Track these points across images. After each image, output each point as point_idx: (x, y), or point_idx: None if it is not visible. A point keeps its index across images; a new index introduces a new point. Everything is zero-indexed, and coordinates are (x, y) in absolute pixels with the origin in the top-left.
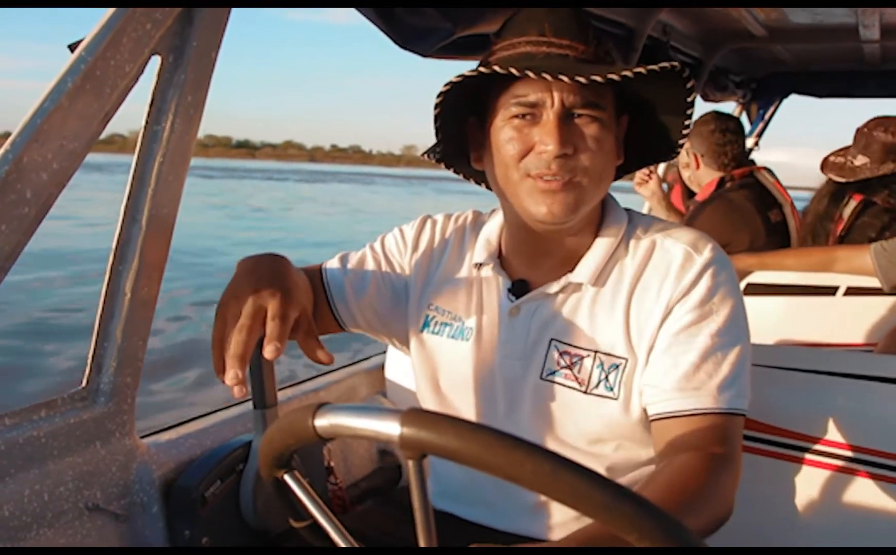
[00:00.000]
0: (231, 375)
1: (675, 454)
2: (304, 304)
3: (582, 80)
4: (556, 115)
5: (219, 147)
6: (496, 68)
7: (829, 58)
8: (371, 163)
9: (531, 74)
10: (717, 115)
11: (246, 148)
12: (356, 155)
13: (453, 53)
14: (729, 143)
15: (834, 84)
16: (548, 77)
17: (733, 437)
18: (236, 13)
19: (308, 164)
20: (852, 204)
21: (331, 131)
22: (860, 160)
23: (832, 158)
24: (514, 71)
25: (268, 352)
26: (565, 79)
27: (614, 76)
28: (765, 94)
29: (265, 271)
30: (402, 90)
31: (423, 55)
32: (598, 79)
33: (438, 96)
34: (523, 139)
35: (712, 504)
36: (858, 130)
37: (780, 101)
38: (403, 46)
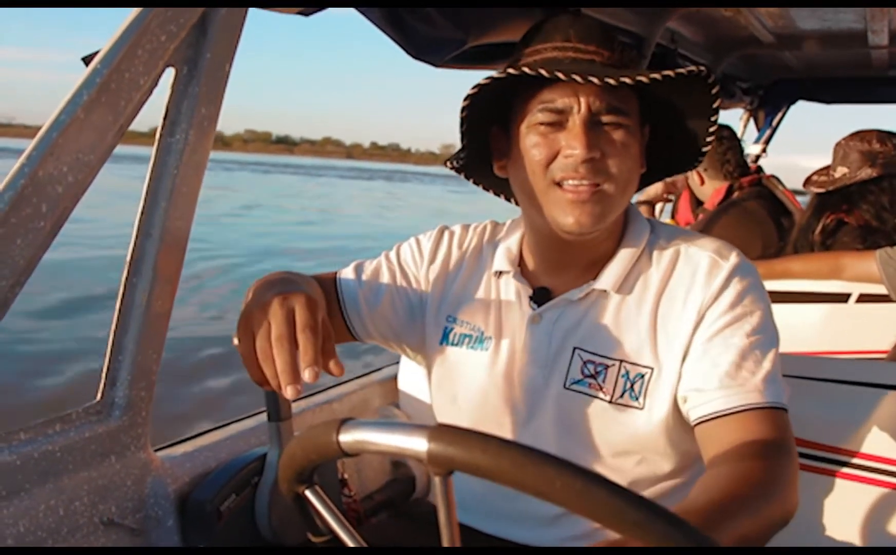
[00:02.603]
0: (291, 391)
1: (727, 454)
2: (325, 310)
3: (612, 81)
4: (582, 120)
5: (258, 142)
6: (525, 70)
7: (838, 64)
8: (408, 161)
9: (561, 76)
10: None
11: (285, 143)
12: (394, 153)
13: (466, 63)
14: (729, 150)
15: (842, 90)
16: (578, 79)
17: (785, 428)
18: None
19: (345, 160)
20: (825, 222)
21: (369, 128)
22: (840, 171)
23: (814, 177)
24: (543, 72)
25: (308, 376)
26: (595, 81)
27: (643, 79)
28: (772, 100)
29: (284, 282)
30: (442, 89)
31: (436, 65)
32: (628, 80)
33: (465, 100)
34: (549, 144)
35: (777, 500)
36: (837, 145)
37: (788, 108)
38: (416, 57)
